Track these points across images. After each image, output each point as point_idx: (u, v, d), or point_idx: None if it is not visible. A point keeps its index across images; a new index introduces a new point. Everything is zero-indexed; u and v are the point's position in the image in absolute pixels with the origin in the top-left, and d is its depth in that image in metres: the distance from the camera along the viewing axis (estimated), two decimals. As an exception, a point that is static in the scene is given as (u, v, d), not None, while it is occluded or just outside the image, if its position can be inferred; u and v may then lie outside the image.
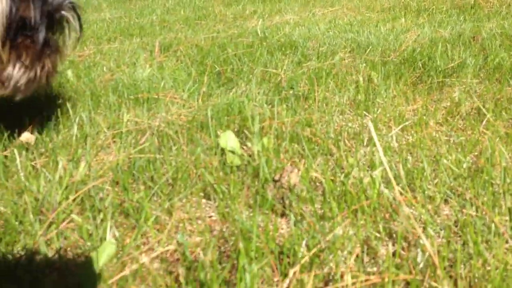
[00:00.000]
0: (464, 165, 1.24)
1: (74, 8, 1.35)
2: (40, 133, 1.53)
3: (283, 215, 1.12)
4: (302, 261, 0.92)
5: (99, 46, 2.94)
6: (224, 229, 1.07)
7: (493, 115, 1.54)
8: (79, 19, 1.38)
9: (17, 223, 1.07)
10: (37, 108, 1.67)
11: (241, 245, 0.90)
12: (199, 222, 1.11)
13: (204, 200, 1.20)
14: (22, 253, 0.99)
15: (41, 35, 1.26)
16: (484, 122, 1.47)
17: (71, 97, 1.84)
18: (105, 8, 4.93)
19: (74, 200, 1.13)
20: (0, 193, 1.20)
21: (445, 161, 1.23)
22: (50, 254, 0.99)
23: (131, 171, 1.29)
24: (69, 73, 2.21)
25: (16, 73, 1.26)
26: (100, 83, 2.05)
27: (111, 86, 1.99)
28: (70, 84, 2.02)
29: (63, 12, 1.33)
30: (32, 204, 1.11)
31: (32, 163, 1.33)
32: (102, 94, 1.91)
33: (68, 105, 1.72)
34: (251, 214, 1.10)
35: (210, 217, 1.15)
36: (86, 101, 1.80)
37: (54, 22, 1.33)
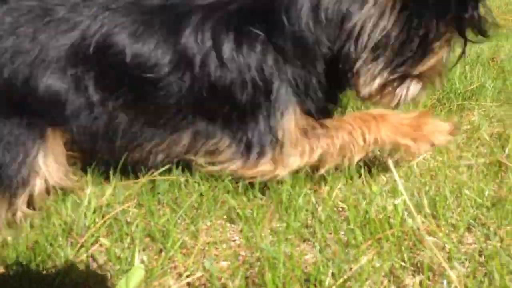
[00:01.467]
0: (486, 193, 1.25)
1: None
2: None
3: (305, 239, 1.14)
4: (329, 290, 0.93)
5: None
6: (249, 254, 1.08)
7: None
8: None
9: (47, 245, 1.09)
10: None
11: (268, 274, 0.92)
12: (224, 246, 1.13)
13: (228, 224, 1.22)
14: (53, 275, 1.02)
15: None
16: (506, 151, 1.47)
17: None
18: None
19: (103, 223, 1.16)
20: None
21: (467, 191, 1.23)
22: (81, 276, 1.02)
23: (155, 193, 1.31)
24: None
25: None
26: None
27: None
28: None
29: None
30: (61, 227, 1.13)
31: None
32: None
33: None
34: (275, 239, 1.11)
35: (234, 240, 1.17)
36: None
37: None
